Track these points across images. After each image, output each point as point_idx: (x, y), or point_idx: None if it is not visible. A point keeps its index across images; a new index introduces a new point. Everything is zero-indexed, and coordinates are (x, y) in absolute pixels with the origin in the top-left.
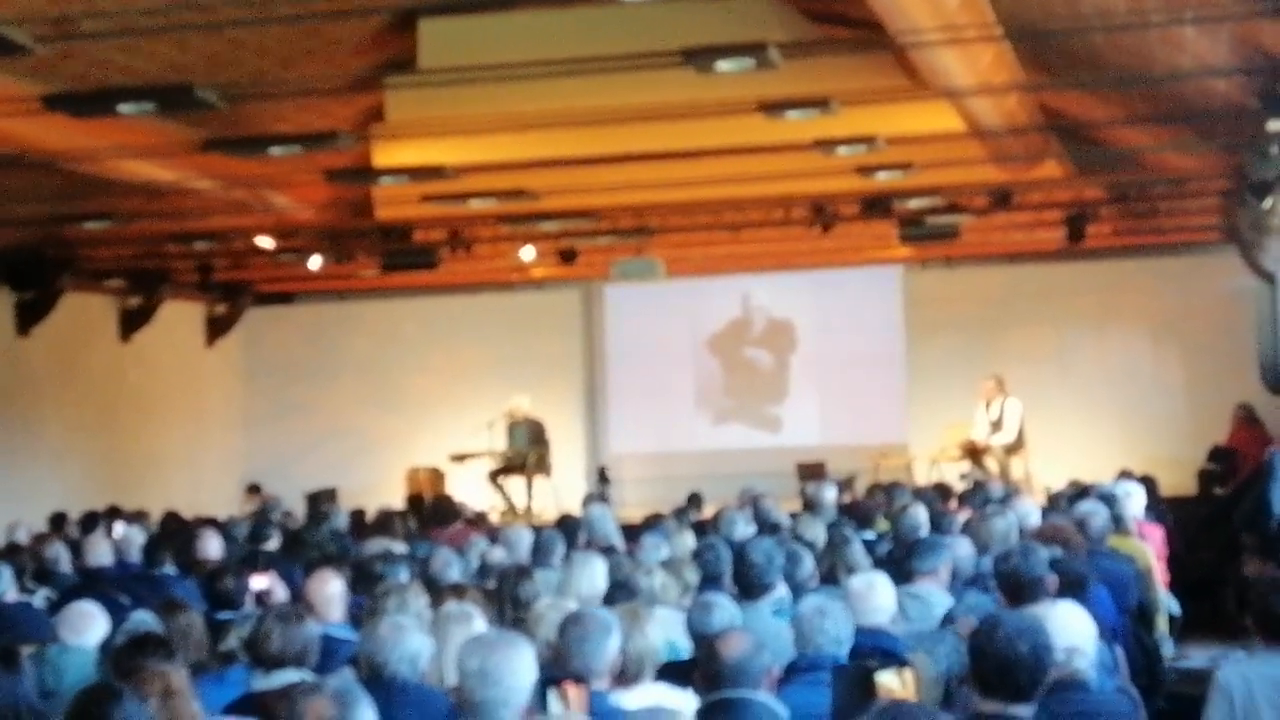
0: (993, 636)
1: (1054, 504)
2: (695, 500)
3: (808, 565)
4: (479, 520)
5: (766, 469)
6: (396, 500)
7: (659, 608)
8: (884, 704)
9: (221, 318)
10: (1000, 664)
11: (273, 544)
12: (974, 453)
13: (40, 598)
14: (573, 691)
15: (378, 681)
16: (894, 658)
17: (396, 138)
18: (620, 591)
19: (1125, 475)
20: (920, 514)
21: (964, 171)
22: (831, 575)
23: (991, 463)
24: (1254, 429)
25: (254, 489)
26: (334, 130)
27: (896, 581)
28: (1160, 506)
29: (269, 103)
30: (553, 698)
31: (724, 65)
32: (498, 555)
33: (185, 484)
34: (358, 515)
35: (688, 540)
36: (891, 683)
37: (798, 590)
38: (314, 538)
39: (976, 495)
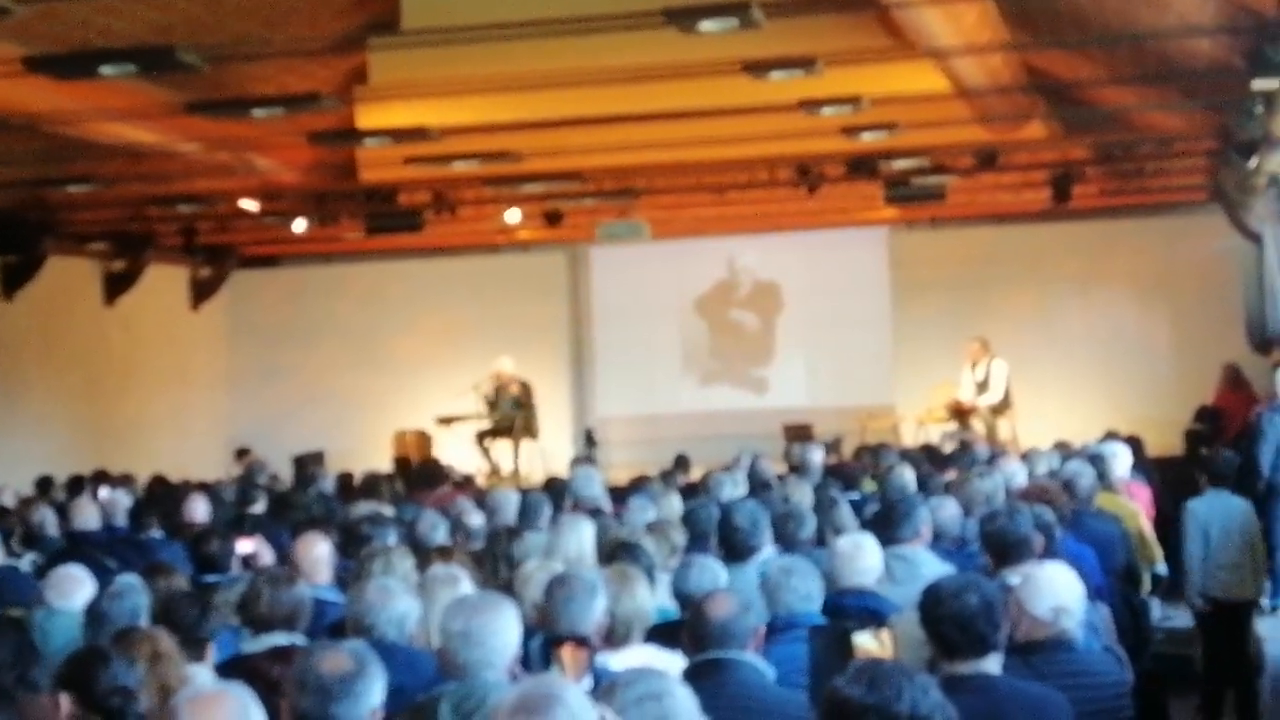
0: (940, 601)
1: (1033, 465)
2: (682, 462)
3: (810, 526)
4: (466, 483)
5: (753, 431)
6: (383, 463)
7: None
8: (860, 663)
9: (206, 281)
10: (957, 622)
11: (259, 507)
12: (960, 413)
13: (27, 562)
14: (568, 654)
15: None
16: (879, 618)
17: (380, 99)
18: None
19: (1111, 436)
20: (907, 475)
21: (949, 132)
22: (819, 536)
23: (978, 423)
24: (1240, 389)
25: (243, 452)
26: (317, 92)
27: (883, 543)
28: (1147, 467)
29: (251, 64)
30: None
31: (707, 25)
32: (480, 518)
33: (171, 447)
34: (345, 478)
35: (674, 502)
36: (868, 643)
37: (798, 551)
38: (301, 501)
39: (963, 456)
